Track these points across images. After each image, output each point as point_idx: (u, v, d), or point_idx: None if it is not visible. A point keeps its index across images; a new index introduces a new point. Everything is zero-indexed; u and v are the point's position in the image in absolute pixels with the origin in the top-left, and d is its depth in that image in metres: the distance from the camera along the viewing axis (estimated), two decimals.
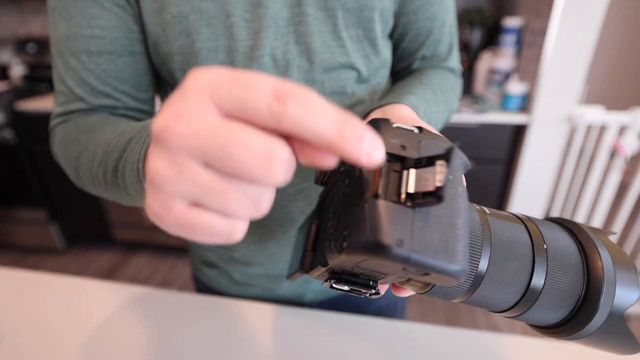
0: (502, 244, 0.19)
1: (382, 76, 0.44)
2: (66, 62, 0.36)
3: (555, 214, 1.38)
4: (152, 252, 1.94)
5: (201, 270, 0.53)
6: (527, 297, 0.20)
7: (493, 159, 1.33)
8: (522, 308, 0.20)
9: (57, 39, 0.36)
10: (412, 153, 0.16)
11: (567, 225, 0.22)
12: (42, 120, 1.62)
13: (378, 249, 0.14)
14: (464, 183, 0.18)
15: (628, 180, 1.26)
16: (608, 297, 0.19)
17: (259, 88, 0.13)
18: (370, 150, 0.13)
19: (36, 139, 1.67)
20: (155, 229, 1.80)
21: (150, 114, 0.42)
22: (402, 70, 0.48)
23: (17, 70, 1.97)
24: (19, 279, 0.49)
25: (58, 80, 0.37)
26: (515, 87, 1.23)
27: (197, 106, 0.13)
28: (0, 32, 2.10)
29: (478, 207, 0.21)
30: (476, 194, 1.40)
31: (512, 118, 1.24)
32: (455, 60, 0.48)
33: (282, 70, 0.37)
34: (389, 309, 0.56)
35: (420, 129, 0.18)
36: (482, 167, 1.35)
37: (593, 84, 2.05)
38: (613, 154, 1.21)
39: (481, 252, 0.19)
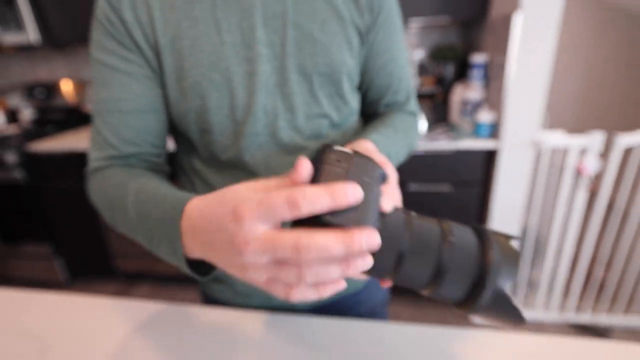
0: (419, 235, 0.28)
1: (352, 121, 0.55)
2: (103, 119, 0.47)
3: (531, 229, 1.47)
4: (153, 282, 2.00)
5: (209, 285, 0.62)
6: (438, 274, 0.27)
7: (469, 182, 1.44)
8: (435, 283, 0.28)
9: (97, 100, 0.47)
10: (343, 165, 0.26)
11: (477, 229, 0.30)
12: (49, 160, 1.73)
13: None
14: (380, 185, 0.28)
15: (596, 192, 1.36)
16: (493, 278, 0.27)
17: (279, 204, 0.23)
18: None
19: (44, 177, 1.78)
20: (154, 258, 1.87)
21: (163, 155, 0.53)
22: (372, 113, 0.61)
23: (27, 114, 2.10)
24: (26, 300, 0.58)
25: (96, 132, 0.48)
26: (485, 116, 1.35)
27: (251, 231, 0.24)
28: (11, 79, 2.25)
29: (407, 212, 0.29)
30: (456, 215, 1.49)
31: (483, 144, 1.36)
32: (413, 105, 0.60)
33: (271, 119, 0.48)
34: (373, 314, 0.65)
35: (355, 152, 0.27)
36: (460, 190, 1.45)
37: (555, 109, 2.21)
38: (577, 174, 1.32)
39: (402, 238, 0.27)
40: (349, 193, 0.23)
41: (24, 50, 2.09)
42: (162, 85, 0.47)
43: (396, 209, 0.28)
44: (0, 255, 1.94)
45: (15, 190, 1.78)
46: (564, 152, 1.34)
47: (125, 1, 0.44)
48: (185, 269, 0.33)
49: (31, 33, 1.72)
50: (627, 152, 1.32)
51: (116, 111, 0.46)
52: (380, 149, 0.44)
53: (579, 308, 1.56)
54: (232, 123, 0.48)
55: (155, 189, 0.38)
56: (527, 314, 1.57)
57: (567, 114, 2.30)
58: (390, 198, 0.34)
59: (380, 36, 0.52)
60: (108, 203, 0.43)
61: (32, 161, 1.74)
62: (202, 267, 0.35)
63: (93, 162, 0.48)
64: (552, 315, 1.55)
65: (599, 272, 1.49)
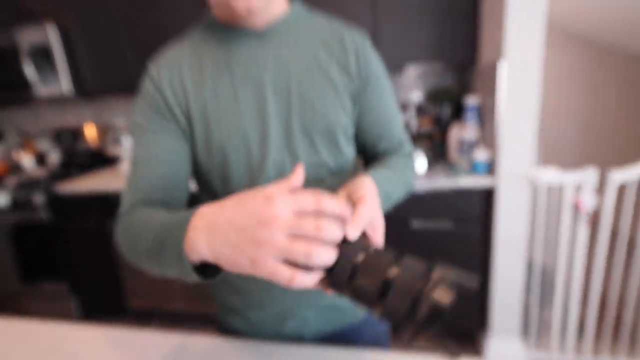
0: (372, 257, 0.35)
1: (347, 167, 0.64)
2: (139, 169, 0.56)
3: (536, 264, 1.48)
4: (165, 320, 2.03)
5: (224, 317, 0.69)
6: (384, 292, 0.34)
7: (470, 218, 1.48)
8: (382, 301, 0.33)
9: (135, 156, 0.57)
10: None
11: (429, 264, 0.36)
12: (74, 201, 1.84)
13: None
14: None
15: (597, 224, 1.38)
16: (427, 300, 0.32)
17: (308, 198, 0.35)
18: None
19: (67, 217, 1.89)
20: (167, 296, 1.92)
21: (186, 197, 0.62)
22: (371, 157, 0.70)
23: (54, 157, 2.26)
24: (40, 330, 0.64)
25: (130, 180, 0.57)
26: (481, 155, 1.42)
27: (280, 209, 0.35)
28: (41, 125, 2.44)
29: (369, 245, 0.37)
30: (460, 250, 1.52)
31: (481, 181, 1.41)
32: (407, 148, 0.69)
33: (280, 170, 0.58)
34: (376, 343, 0.70)
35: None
36: (462, 226, 1.49)
37: (549, 146, 2.28)
38: (576, 209, 1.35)
39: (357, 257, 0.35)
40: (347, 211, 0.37)
41: (56, 99, 2.29)
42: (191, 145, 0.58)
43: (361, 236, 0.38)
44: (18, 293, 2.02)
45: (40, 229, 1.89)
46: (560, 188, 1.38)
47: (165, 81, 0.56)
48: (189, 271, 0.40)
49: (64, 85, 1.90)
50: (622, 188, 1.36)
51: (149, 165, 0.56)
52: (378, 185, 0.51)
53: (596, 351, 1.51)
54: (249, 174, 0.58)
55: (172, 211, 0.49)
56: (542, 356, 1.53)
57: (561, 150, 2.36)
58: (373, 230, 0.42)
59: (370, 96, 0.62)
60: (129, 231, 0.50)
61: (57, 202, 1.86)
62: (206, 272, 0.44)
63: (124, 205, 0.56)
64: (568, 358, 1.51)
65: (612, 309, 1.47)
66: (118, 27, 1.83)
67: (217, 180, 0.59)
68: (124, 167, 2.11)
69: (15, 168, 2.25)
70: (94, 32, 1.87)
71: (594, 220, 1.38)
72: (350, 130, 0.62)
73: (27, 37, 1.86)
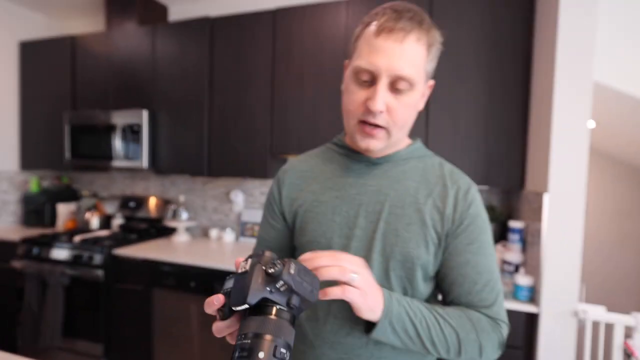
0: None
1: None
2: (257, 242, 0.78)
3: None
4: None
5: None
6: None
7: (512, 345, 1.44)
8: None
9: (258, 233, 0.78)
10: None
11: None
12: (127, 264, 2.00)
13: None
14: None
15: None
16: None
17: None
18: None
19: (119, 279, 2.02)
20: None
21: None
22: (447, 304, 0.66)
23: (118, 221, 2.49)
24: None
25: (257, 240, 0.79)
26: (523, 280, 1.44)
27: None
28: (114, 190, 2.75)
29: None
30: None
31: (523, 307, 1.41)
32: (496, 312, 0.62)
33: None
34: None
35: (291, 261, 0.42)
36: (503, 353, 1.45)
37: (591, 286, 2.22)
38: (627, 353, 1.29)
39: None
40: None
41: (130, 170, 2.61)
42: (291, 235, 0.73)
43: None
44: (57, 348, 2.09)
45: (93, 287, 2.02)
46: (607, 327, 1.34)
47: (286, 183, 0.73)
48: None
49: (144, 162, 2.20)
50: None
51: (264, 238, 0.77)
52: (389, 312, 0.53)
53: None
54: None
55: None
56: None
57: (603, 290, 2.28)
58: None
59: (458, 242, 0.62)
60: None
61: (113, 263, 2.02)
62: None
63: (252, 252, 0.79)
64: None
65: None
66: (198, 118, 2.15)
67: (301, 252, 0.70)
68: (179, 239, 2.28)
69: (82, 226, 2.49)
70: (176, 120, 2.20)
71: None
72: (431, 269, 0.63)
73: (123, 118, 2.22)
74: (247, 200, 2.40)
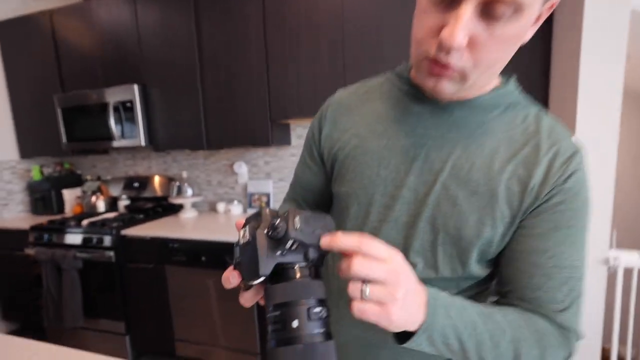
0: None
1: (466, 289, 0.53)
2: (293, 181, 0.73)
3: (613, 354, 1.33)
4: None
5: None
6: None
7: None
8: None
9: (295, 171, 0.72)
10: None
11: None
12: (136, 243, 1.97)
13: None
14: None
15: None
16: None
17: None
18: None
19: (130, 259, 2.01)
20: (213, 346, 1.93)
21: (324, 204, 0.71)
22: (503, 294, 0.51)
23: (123, 202, 2.46)
24: None
25: (291, 184, 0.74)
26: None
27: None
28: (116, 172, 2.70)
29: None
30: None
31: None
32: (569, 319, 0.47)
33: (391, 245, 0.55)
34: None
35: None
36: None
37: (621, 231, 2.10)
38: None
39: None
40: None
41: (130, 150, 2.54)
42: (329, 181, 0.64)
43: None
44: (81, 328, 2.13)
45: (106, 268, 2.02)
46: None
47: (328, 122, 0.62)
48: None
49: (141, 139, 2.12)
50: None
51: (297, 181, 0.72)
52: (435, 322, 0.40)
53: None
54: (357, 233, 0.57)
55: None
56: None
57: (635, 235, 2.16)
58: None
59: (539, 222, 0.47)
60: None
61: (122, 243, 2.01)
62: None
63: (286, 196, 0.76)
64: None
65: None
66: (191, 90, 2.03)
67: (334, 216, 0.61)
68: (185, 215, 2.24)
69: (89, 210, 2.47)
70: (169, 94, 2.09)
71: None
72: (493, 251, 0.50)
73: (114, 96, 2.12)
74: (251, 171, 2.32)
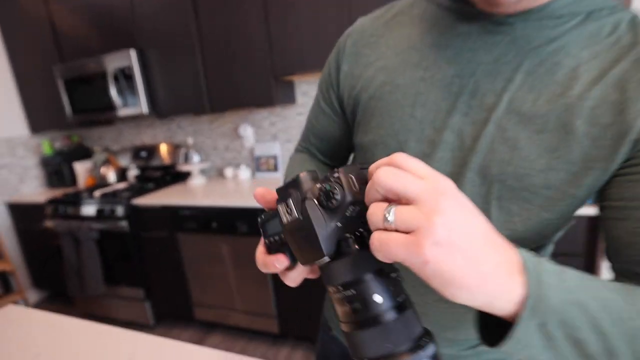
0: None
1: (533, 239, 0.42)
2: (306, 128, 0.64)
3: None
4: (226, 333, 2.06)
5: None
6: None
7: (571, 253, 1.26)
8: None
9: (308, 115, 0.63)
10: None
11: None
12: (149, 213, 1.96)
13: None
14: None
15: None
16: None
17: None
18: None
19: (144, 228, 2.01)
20: (229, 310, 1.94)
21: (328, 157, 0.65)
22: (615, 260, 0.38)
23: (132, 172, 2.44)
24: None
25: (304, 129, 0.64)
26: None
27: None
28: (123, 143, 2.67)
29: None
30: None
31: (583, 211, 1.19)
32: None
33: None
34: None
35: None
36: (562, 262, 1.27)
37: None
38: None
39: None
40: None
41: (134, 119, 2.49)
42: (350, 130, 0.55)
43: None
44: (104, 295, 2.20)
45: (121, 238, 2.04)
46: None
47: (347, 56, 0.51)
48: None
49: (143, 107, 2.04)
50: None
51: (310, 128, 0.63)
52: (546, 293, 0.24)
53: None
54: None
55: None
56: None
57: None
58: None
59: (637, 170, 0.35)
60: (289, 165, 0.63)
61: (134, 213, 2.00)
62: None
63: (297, 146, 0.67)
64: None
65: None
66: (189, 51, 1.91)
67: (365, 155, 0.53)
68: (194, 182, 2.20)
69: (101, 182, 2.47)
70: (167, 57, 1.98)
71: None
72: (573, 208, 0.39)
73: (112, 63, 2.03)
74: (257, 133, 2.22)
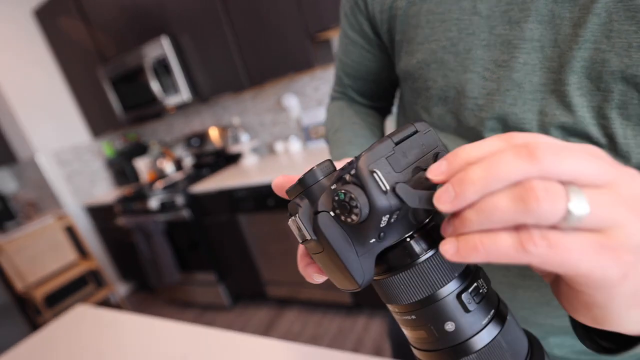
0: None
1: None
2: (337, 69, 0.55)
3: None
4: (300, 308, 2.05)
5: None
6: None
7: None
8: None
9: (338, 56, 0.53)
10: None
11: None
12: (207, 199, 1.97)
13: None
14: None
15: None
16: None
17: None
18: None
19: (205, 214, 2.03)
20: (301, 285, 1.92)
21: (370, 98, 0.56)
22: None
23: (188, 161, 2.48)
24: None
25: (335, 75, 0.56)
26: None
27: None
28: (174, 133, 2.71)
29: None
30: None
31: None
32: None
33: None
34: None
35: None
36: None
37: None
38: None
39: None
40: None
41: (181, 108, 2.50)
42: (391, 54, 0.44)
43: None
44: (181, 282, 2.31)
45: (185, 226, 2.09)
46: None
47: None
48: None
49: (184, 94, 2.02)
50: None
51: (341, 67, 0.53)
52: None
53: None
54: (455, 122, 0.36)
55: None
56: None
57: None
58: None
59: None
60: (327, 115, 0.57)
61: (193, 201, 2.02)
62: None
63: (332, 92, 0.60)
64: None
65: None
66: (223, 32, 1.81)
67: (407, 113, 0.44)
68: (246, 162, 2.17)
69: (160, 175, 2.55)
70: (199, 38, 1.90)
71: None
72: None
73: (149, 54, 2.01)
74: (301, 102, 2.10)
